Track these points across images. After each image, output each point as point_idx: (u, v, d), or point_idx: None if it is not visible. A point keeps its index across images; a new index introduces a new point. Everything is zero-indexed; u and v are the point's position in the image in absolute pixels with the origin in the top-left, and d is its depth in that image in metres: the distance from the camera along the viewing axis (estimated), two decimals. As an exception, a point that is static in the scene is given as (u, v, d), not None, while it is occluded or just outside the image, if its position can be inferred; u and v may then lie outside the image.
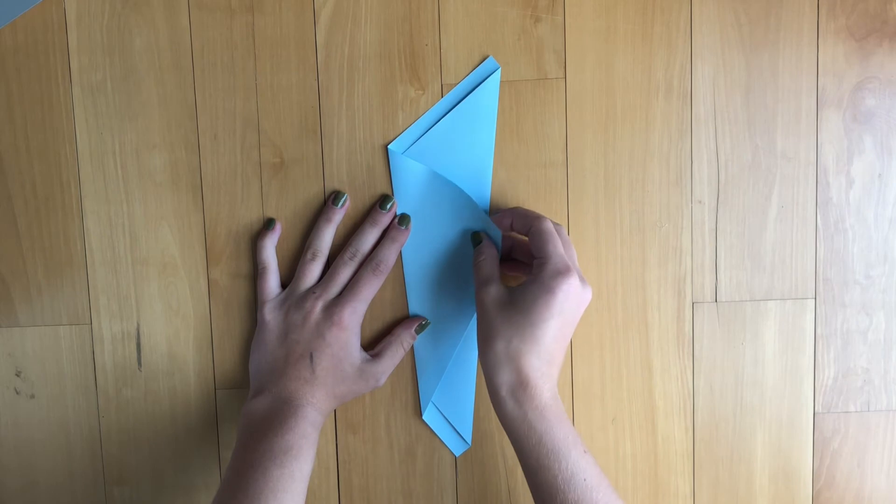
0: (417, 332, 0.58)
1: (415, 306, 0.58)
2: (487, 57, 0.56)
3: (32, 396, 0.59)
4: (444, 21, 0.56)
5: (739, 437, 0.59)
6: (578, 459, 0.48)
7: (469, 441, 0.59)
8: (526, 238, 0.54)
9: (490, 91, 0.56)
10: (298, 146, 0.57)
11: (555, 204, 0.58)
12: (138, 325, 0.59)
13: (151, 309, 0.58)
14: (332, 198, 0.57)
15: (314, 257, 0.56)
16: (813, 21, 0.56)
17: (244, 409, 0.54)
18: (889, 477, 0.59)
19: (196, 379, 0.59)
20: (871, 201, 0.58)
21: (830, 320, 0.58)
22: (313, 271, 0.56)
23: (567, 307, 0.49)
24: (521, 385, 0.49)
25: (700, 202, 0.58)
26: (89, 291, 0.58)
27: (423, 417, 0.59)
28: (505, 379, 0.49)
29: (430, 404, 0.59)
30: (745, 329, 0.58)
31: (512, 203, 0.57)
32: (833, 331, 0.58)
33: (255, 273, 0.58)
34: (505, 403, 0.49)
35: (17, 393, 0.59)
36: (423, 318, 0.58)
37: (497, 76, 0.56)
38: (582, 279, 0.50)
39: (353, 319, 0.55)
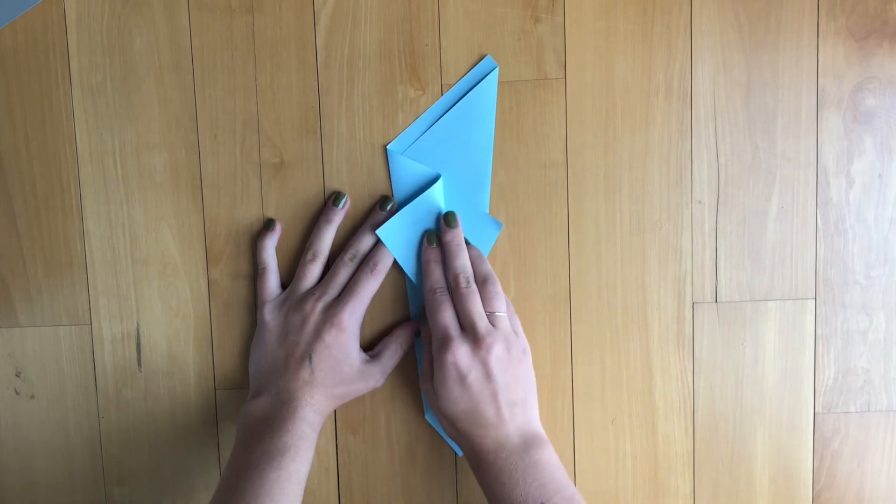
0: (418, 333, 0.57)
1: (416, 308, 0.58)
2: (486, 55, 0.56)
3: (32, 397, 0.59)
4: (444, 21, 0.56)
5: (739, 438, 0.59)
6: None
7: None
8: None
9: (488, 90, 0.56)
10: (298, 146, 0.57)
11: (555, 204, 0.58)
12: (138, 325, 0.59)
13: (151, 309, 0.58)
14: (333, 199, 0.57)
15: (314, 258, 0.56)
16: (813, 21, 0.56)
17: (244, 409, 0.54)
18: (889, 477, 0.59)
19: (196, 379, 0.59)
20: (871, 201, 0.58)
21: (830, 320, 0.58)
22: (313, 272, 0.56)
23: (467, 373, 0.51)
24: (475, 455, 0.52)
25: (700, 202, 0.58)
26: (89, 292, 0.58)
27: (426, 417, 0.59)
28: (465, 453, 0.54)
29: None
30: (746, 329, 0.58)
31: (512, 203, 0.57)
32: (833, 331, 0.58)
33: (255, 273, 0.58)
34: (472, 469, 0.53)
35: (17, 393, 0.59)
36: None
37: (495, 75, 0.56)
38: (471, 337, 0.52)
39: (352, 321, 0.55)
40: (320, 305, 0.55)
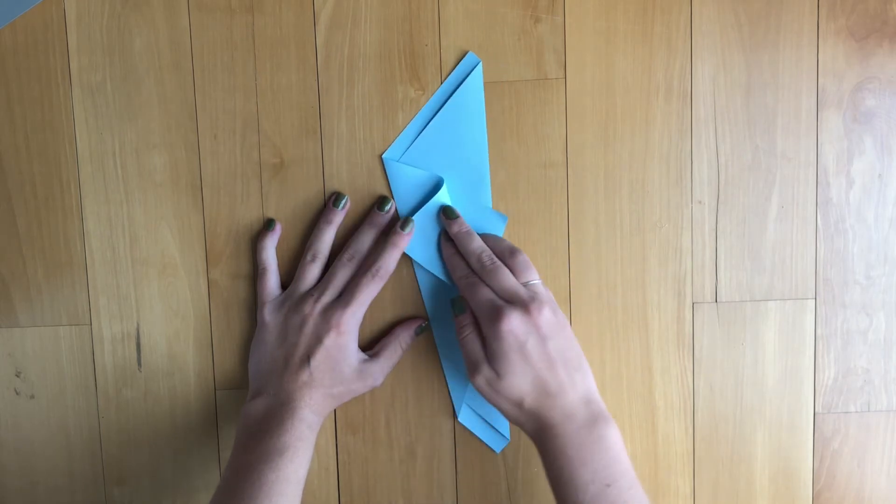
0: (417, 333, 0.57)
1: (432, 310, 0.58)
2: (467, 52, 0.56)
3: (32, 397, 0.59)
4: (444, 21, 0.56)
5: (739, 438, 0.59)
6: (598, 494, 0.49)
7: (508, 436, 0.59)
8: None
9: (474, 87, 0.56)
10: (298, 146, 0.57)
11: (555, 204, 0.58)
12: (138, 325, 0.59)
13: (151, 309, 0.58)
14: (333, 199, 0.57)
15: (314, 259, 0.56)
16: (813, 21, 0.56)
17: (243, 410, 0.54)
18: (889, 477, 0.59)
19: (196, 379, 0.59)
20: (871, 201, 0.58)
21: (830, 320, 0.58)
22: (313, 273, 0.56)
23: (526, 339, 0.51)
24: (543, 430, 0.51)
25: (700, 202, 0.58)
26: (89, 292, 0.58)
27: (459, 419, 0.59)
28: (531, 431, 0.52)
29: (464, 406, 0.59)
30: (746, 329, 0.58)
31: (512, 203, 0.57)
32: (833, 331, 0.58)
33: (255, 274, 0.58)
34: (537, 447, 0.52)
35: (17, 393, 0.59)
36: (423, 320, 0.58)
37: (479, 71, 0.56)
38: (518, 303, 0.51)
39: (351, 323, 0.55)
40: (319, 307, 0.55)
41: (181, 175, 0.58)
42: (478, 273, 0.54)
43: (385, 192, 0.57)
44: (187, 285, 0.58)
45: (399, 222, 0.56)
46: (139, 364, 0.59)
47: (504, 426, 0.59)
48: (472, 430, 0.59)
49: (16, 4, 0.56)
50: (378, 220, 0.56)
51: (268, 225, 0.57)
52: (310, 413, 0.53)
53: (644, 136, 0.57)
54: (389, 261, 0.56)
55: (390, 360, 0.57)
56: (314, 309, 0.54)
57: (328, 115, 0.57)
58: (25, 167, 0.58)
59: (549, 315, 0.51)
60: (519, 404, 0.51)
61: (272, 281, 0.57)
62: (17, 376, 0.59)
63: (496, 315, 0.51)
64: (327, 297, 0.55)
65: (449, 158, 0.57)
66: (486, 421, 0.59)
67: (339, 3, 0.56)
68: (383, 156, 0.57)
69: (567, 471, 0.49)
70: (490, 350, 0.51)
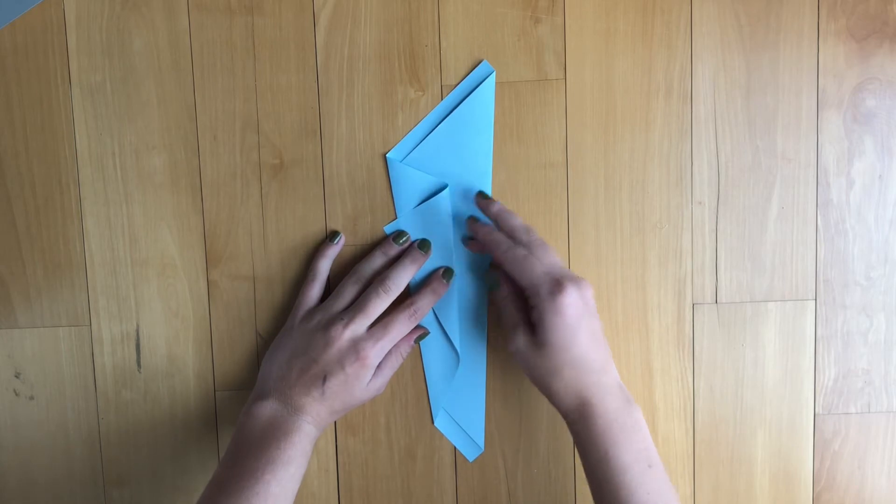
0: (416, 341, 0.57)
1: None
2: (482, 61, 0.56)
3: (32, 398, 0.59)
4: (444, 22, 0.56)
5: (740, 439, 0.59)
6: (642, 474, 0.49)
7: (482, 446, 0.59)
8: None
9: (485, 95, 0.56)
10: (298, 147, 0.57)
11: (555, 204, 0.57)
12: (138, 326, 0.59)
13: (151, 310, 0.58)
14: (394, 235, 0.57)
15: (358, 281, 0.56)
16: (813, 22, 0.56)
17: (247, 407, 0.53)
18: (890, 478, 0.59)
19: (195, 380, 0.59)
20: (871, 202, 0.57)
21: (831, 322, 0.58)
22: (348, 294, 0.56)
23: (583, 314, 0.51)
24: (585, 406, 0.51)
25: (700, 203, 0.58)
26: (88, 293, 0.58)
27: (435, 424, 0.59)
28: (571, 407, 0.51)
29: (442, 411, 0.59)
30: (746, 330, 0.58)
31: (512, 203, 0.57)
32: (833, 332, 0.58)
33: (305, 277, 0.57)
34: (574, 426, 0.52)
35: (17, 394, 0.59)
36: (423, 328, 0.58)
37: (492, 80, 0.56)
38: (572, 280, 0.51)
39: (377, 358, 0.54)
40: (348, 334, 0.54)
41: (181, 176, 0.58)
42: (526, 247, 0.53)
43: (384, 193, 0.57)
44: (187, 286, 0.58)
45: (441, 271, 0.56)
46: (139, 365, 0.59)
47: (479, 434, 0.59)
48: (447, 437, 0.59)
49: (16, 4, 0.56)
50: (419, 258, 0.56)
51: (332, 237, 0.57)
52: (313, 427, 0.53)
53: (644, 136, 0.57)
54: (427, 305, 0.56)
55: (391, 369, 0.56)
56: (343, 334, 0.54)
57: (328, 116, 0.57)
58: (25, 168, 0.58)
59: (592, 297, 0.52)
60: (558, 373, 0.51)
61: (316, 290, 0.57)
62: (17, 377, 0.59)
63: (557, 287, 0.50)
64: (357, 325, 0.54)
65: (452, 165, 0.57)
66: (462, 429, 0.59)
67: (339, 4, 0.56)
68: (387, 155, 0.57)
69: (612, 451, 0.49)
70: (541, 320, 0.51)
